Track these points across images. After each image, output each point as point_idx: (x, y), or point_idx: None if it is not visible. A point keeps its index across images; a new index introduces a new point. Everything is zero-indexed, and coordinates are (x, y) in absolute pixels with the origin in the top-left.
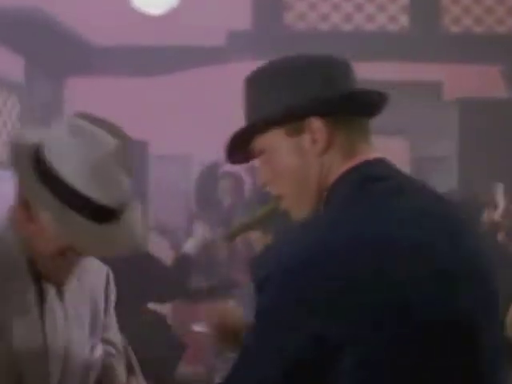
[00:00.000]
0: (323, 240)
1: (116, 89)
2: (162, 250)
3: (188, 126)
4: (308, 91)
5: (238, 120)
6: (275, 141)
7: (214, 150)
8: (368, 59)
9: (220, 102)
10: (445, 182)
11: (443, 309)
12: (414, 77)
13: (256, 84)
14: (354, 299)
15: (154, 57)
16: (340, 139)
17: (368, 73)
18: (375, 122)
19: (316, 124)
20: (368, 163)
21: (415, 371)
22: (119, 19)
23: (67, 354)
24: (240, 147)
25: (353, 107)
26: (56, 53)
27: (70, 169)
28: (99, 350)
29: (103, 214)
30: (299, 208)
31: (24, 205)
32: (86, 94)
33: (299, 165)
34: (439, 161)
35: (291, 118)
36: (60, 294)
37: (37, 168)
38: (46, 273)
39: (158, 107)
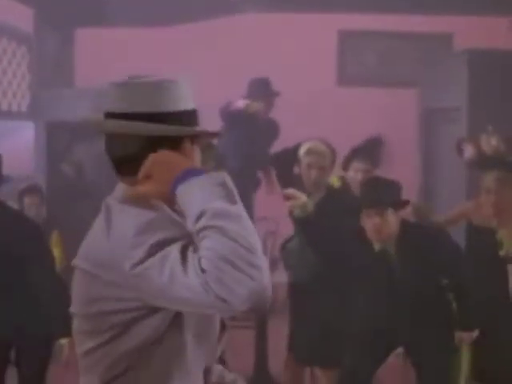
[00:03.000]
0: None
1: (126, 39)
2: None
3: (199, 76)
4: None
5: (246, 70)
6: None
7: (224, 99)
8: (379, 10)
9: (229, 52)
10: (454, 132)
11: None
12: (425, 28)
13: None
14: None
15: (165, 7)
16: None
17: (379, 24)
18: (385, 73)
19: None
20: None
21: None
22: None
23: None
24: None
25: None
26: (66, 3)
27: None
28: None
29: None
30: None
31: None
32: (96, 44)
33: None
34: (449, 111)
35: None
36: None
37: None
38: None
39: (168, 58)
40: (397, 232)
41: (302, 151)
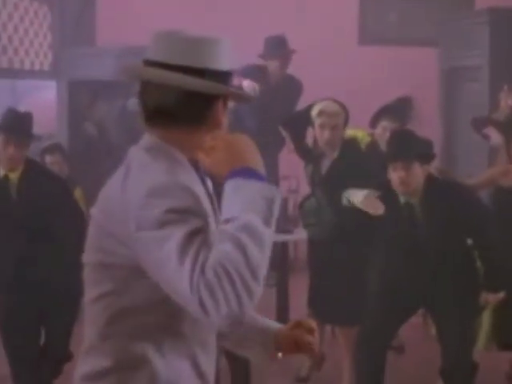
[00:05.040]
0: None
1: None
2: None
3: (218, 33)
4: None
5: (265, 28)
6: None
7: (242, 57)
8: None
9: (249, 10)
10: (476, 91)
11: None
12: None
13: None
14: None
15: None
16: None
17: None
18: (407, 32)
19: None
20: None
21: None
22: None
23: None
24: None
25: None
26: None
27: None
28: None
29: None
30: None
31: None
32: (118, 3)
33: None
34: (470, 70)
35: None
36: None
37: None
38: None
39: (189, 15)
40: (422, 186)
41: (314, 112)
